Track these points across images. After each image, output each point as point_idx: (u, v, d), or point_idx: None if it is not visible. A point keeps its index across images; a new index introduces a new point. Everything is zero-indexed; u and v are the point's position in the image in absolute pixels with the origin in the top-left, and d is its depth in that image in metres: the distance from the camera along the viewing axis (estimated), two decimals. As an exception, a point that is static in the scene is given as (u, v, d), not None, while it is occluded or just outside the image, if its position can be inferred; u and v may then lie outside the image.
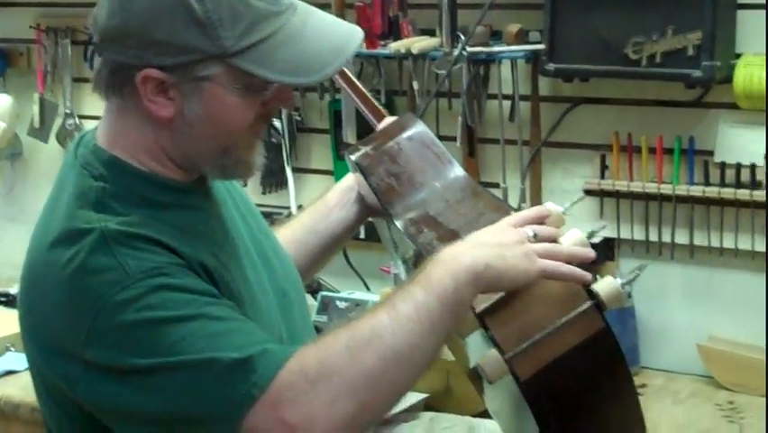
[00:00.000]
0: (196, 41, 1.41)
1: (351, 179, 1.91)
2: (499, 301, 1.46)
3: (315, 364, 1.37)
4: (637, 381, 2.64)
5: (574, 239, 1.52)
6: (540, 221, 1.52)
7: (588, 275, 1.47)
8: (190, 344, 1.38)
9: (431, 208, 1.72)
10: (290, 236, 1.86)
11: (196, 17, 1.40)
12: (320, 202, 1.92)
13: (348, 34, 1.50)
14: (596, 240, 2.36)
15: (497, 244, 1.45)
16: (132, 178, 1.50)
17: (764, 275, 2.59)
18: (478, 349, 1.52)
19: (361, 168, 1.79)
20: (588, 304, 1.45)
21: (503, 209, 1.63)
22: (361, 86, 1.99)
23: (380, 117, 1.94)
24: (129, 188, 1.49)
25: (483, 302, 1.46)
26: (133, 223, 1.44)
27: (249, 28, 1.42)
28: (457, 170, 1.77)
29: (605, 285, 1.47)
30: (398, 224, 1.71)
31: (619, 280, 1.48)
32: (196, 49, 1.42)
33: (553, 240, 1.50)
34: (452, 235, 1.61)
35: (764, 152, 2.56)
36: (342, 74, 1.98)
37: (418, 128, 1.84)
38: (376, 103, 1.99)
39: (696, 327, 2.72)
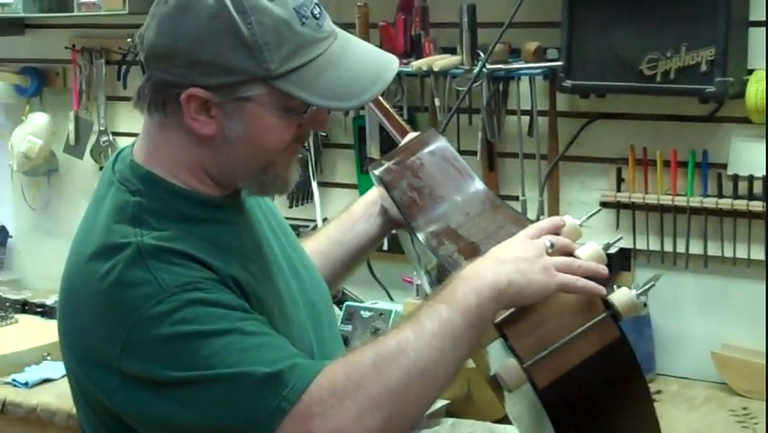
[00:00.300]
0: (242, 62, 1.44)
1: (375, 193, 1.93)
2: (518, 312, 1.49)
3: (343, 379, 1.40)
4: (653, 387, 2.70)
5: (591, 252, 1.55)
6: (556, 231, 1.56)
7: (602, 289, 1.50)
8: (223, 358, 1.40)
9: (452, 221, 1.74)
10: (316, 248, 1.89)
11: (243, 40, 1.44)
12: (345, 215, 1.94)
13: (385, 62, 1.54)
14: (612, 251, 2.42)
15: (517, 260, 1.48)
16: (167, 193, 1.53)
17: (777, 284, 2.63)
18: (498, 357, 1.55)
19: (383, 182, 1.81)
20: (604, 314, 1.48)
21: (521, 222, 1.65)
22: (385, 102, 2.02)
23: (404, 133, 1.96)
24: (165, 203, 1.52)
25: (502, 312, 1.48)
26: (168, 238, 1.47)
27: (293, 53, 1.45)
28: (477, 185, 1.79)
29: (620, 295, 1.50)
30: (420, 237, 1.73)
31: (634, 291, 1.51)
32: (241, 70, 1.45)
33: (569, 251, 1.54)
34: (472, 248, 1.64)
35: (765, 163, 2.60)
36: None
37: (440, 143, 1.86)
38: (399, 119, 2.00)
39: (710, 335, 2.76)
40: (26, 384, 2.88)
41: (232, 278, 1.49)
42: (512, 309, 1.49)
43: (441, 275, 1.65)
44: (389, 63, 1.55)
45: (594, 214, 1.67)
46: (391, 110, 2.02)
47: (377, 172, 1.83)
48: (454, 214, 1.74)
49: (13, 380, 2.90)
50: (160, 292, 1.43)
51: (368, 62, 1.53)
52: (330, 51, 1.49)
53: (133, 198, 1.52)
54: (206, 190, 1.55)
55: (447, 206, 1.74)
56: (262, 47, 1.44)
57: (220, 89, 1.47)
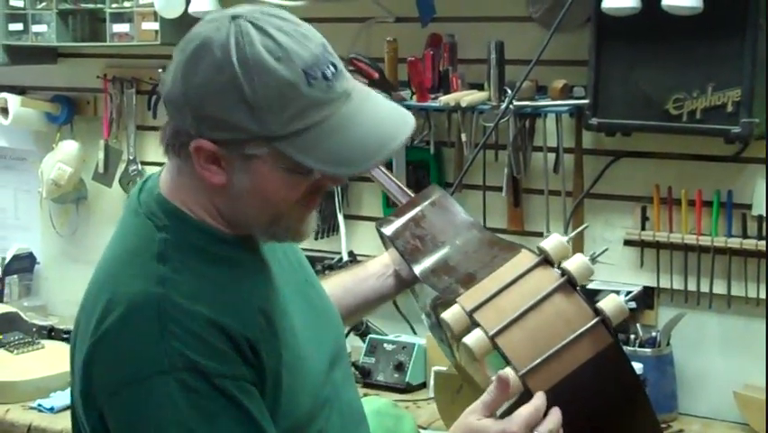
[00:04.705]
0: (244, 121, 1.43)
1: (390, 256, 1.96)
2: (510, 323, 1.54)
3: None
4: (675, 426, 2.71)
5: (579, 261, 1.59)
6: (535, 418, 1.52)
7: None
8: None
9: (450, 260, 1.81)
10: (328, 291, 1.87)
11: (245, 98, 1.41)
12: (360, 268, 1.97)
13: (399, 124, 1.49)
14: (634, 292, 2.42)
15: None
16: (192, 229, 1.53)
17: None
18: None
19: (388, 236, 1.88)
20: (595, 320, 1.53)
21: (516, 249, 1.69)
22: (385, 170, 2.05)
23: (406, 195, 2.01)
24: (188, 240, 1.52)
25: (495, 325, 1.54)
26: (192, 295, 1.46)
27: (296, 115, 1.42)
28: (476, 228, 1.86)
29: (608, 302, 1.55)
30: (420, 275, 1.79)
31: (622, 297, 1.56)
32: (244, 129, 1.43)
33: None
34: (468, 277, 1.70)
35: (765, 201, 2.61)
36: None
37: (439, 194, 1.94)
38: (400, 184, 2.05)
39: (732, 375, 2.76)
40: (51, 409, 2.91)
41: (247, 341, 1.48)
42: (504, 322, 1.53)
43: (437, 309, 1.73)
44: (404, 126, 1.50)
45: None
46: (391, 176, 2.06)
47: (382, 230, 1.90)
48: (454, 254, 1.82)
49: (39, 405, 2.93)
50: (163, 361, 1.43)
51: (380, 124, 1.48)
52: (340, 113, 1.45)
53: (159, 235, 1.52)
54: (224, 229, 1.55)
55: (448, 248, 1.80)
56: (264, 108, 1.42)
57: (226, 144, 1.46)
